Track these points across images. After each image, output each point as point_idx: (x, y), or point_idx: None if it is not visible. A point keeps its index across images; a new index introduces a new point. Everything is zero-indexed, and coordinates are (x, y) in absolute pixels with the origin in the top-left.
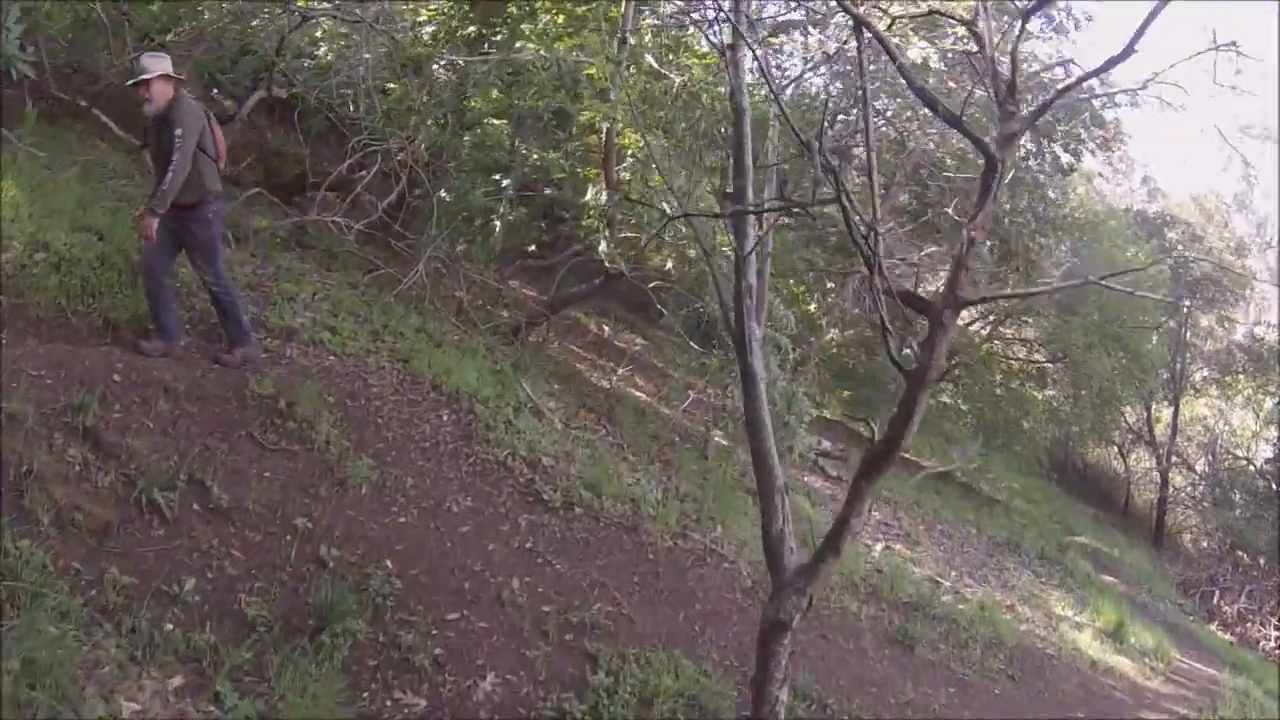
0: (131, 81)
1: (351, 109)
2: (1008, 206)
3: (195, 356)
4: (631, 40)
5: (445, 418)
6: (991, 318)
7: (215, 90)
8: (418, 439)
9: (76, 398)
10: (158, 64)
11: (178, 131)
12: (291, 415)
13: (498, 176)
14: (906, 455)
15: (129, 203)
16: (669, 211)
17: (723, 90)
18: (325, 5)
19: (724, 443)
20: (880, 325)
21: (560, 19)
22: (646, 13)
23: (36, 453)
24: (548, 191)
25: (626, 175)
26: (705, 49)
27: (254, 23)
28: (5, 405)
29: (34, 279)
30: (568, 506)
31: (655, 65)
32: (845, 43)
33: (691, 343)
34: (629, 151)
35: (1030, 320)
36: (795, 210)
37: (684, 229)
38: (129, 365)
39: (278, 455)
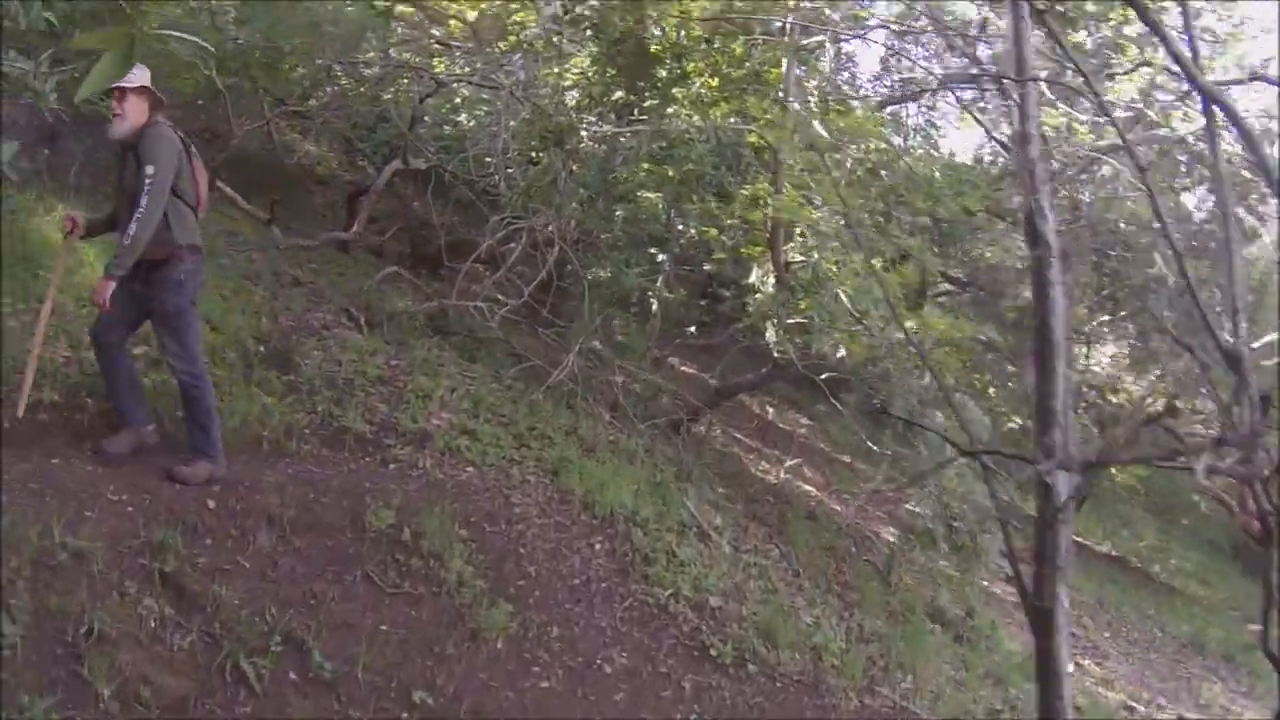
0: (106, 88)
1: (492, 180)
2: None
3: (314, 470)
4: (795, 104)
5: (598, 547)
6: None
7: (358, 158)
8: (565, 575)
9: (159, 533)
10: (138, 74)
11: (149, 170)
12: (417, 550)
13: (653, 251)
14: (1079, 538)
15: (254, 282)
16: (845, 304)
17: (908, 163)
18: (462, 70)
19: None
20: None
21: (715, 82)
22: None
23: (103, 605)
24: (706, 267)
25: (796, 255)
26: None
27: (390, 90)
28: (70, 542)
29: None
30: (739, 663)
31: (823, 133)
32: None
33: (870, 442)
34: (798, 230)
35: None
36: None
37: (857, 316)
38: (228, 488)
39: (398, 601)
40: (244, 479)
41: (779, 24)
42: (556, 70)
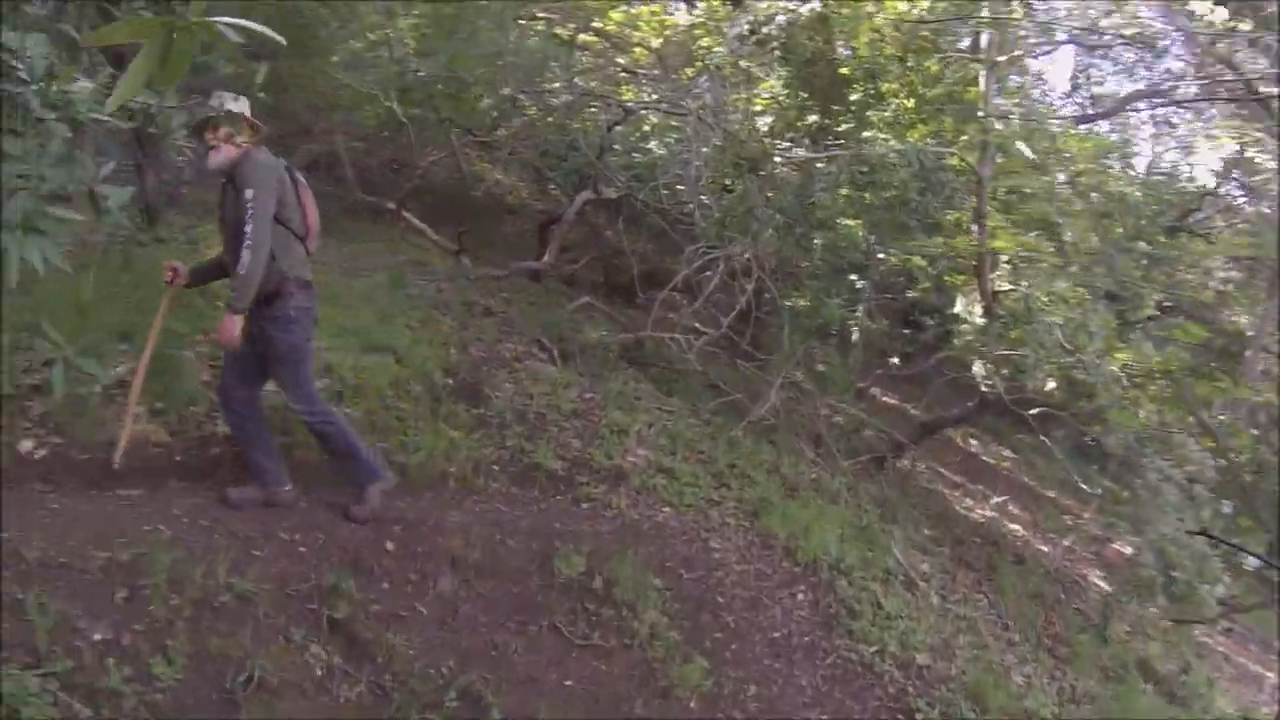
0: (199, 121)
1: (686, 208)
2: None
3: (503, 510)
4: (997, 125)
5: (800, 597)
6: None
7: (548, 187)
8: (765, 628)
9: (332, 576)
10: (234, 102)
11: (248, 194)
12: (609, 598)
13: (853, 278)
14: None
15: (442, 313)
16: (1057, 336)
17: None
18: (649, 98)
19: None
20: None
21: (910, 103)
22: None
23: (266, 651)
24: (908, 295)
25: (1004, 284)
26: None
27: (578, 119)
28: (236, 583)
29: None
30: None
31: (1028, 153)
32: None
33: (1080, 480)
34: (1003, 258)
35: None
36: None
37: (1070, 349)
38: (409, 528)
39: (586, 654)
40: (427, 518)
41: (967, 41)
42: (745, 95)
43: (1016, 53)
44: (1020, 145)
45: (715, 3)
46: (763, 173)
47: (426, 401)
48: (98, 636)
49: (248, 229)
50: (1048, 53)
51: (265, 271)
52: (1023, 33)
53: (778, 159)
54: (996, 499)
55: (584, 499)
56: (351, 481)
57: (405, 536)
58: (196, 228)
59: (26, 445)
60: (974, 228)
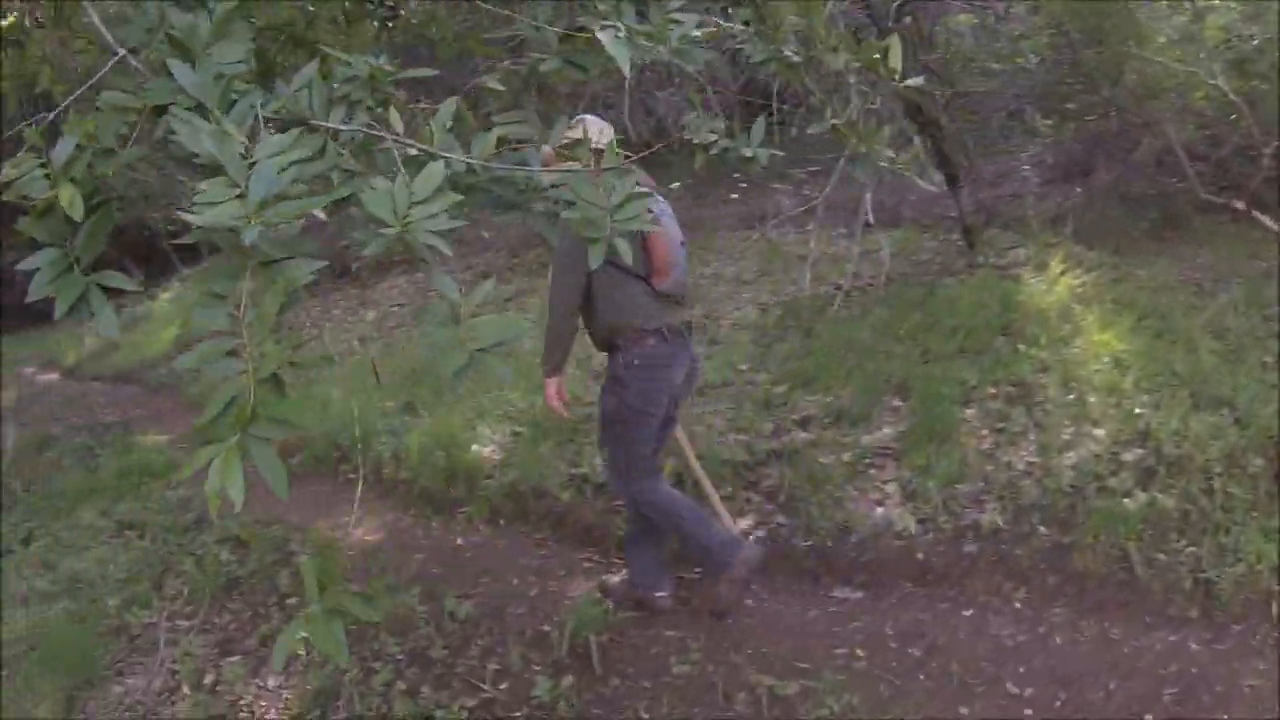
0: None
1: None
2: None
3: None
4: None
5: None
6: None
7: None
8: None
9: None
10: (599, 132)
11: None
12: None
13: None
14: None
15: None
16: None
17: None
18: None
19: None
20: None
21: None
22: None
23: None
24: None
25: None
26: None
27: None
28: None
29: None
30: None
31: None
32: None
33: None
34: None
35: None
36: None
37: None
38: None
39: None
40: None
41: None
42: None
43: None
44: None
45: None
46: None
47: (1265, 483)
48: None
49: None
50: None
51: (590, 320)
52: None
53: None
54: None
55: None
56: (704, 560)
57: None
58: (1021, 247)
59: (743, 524)
60: None
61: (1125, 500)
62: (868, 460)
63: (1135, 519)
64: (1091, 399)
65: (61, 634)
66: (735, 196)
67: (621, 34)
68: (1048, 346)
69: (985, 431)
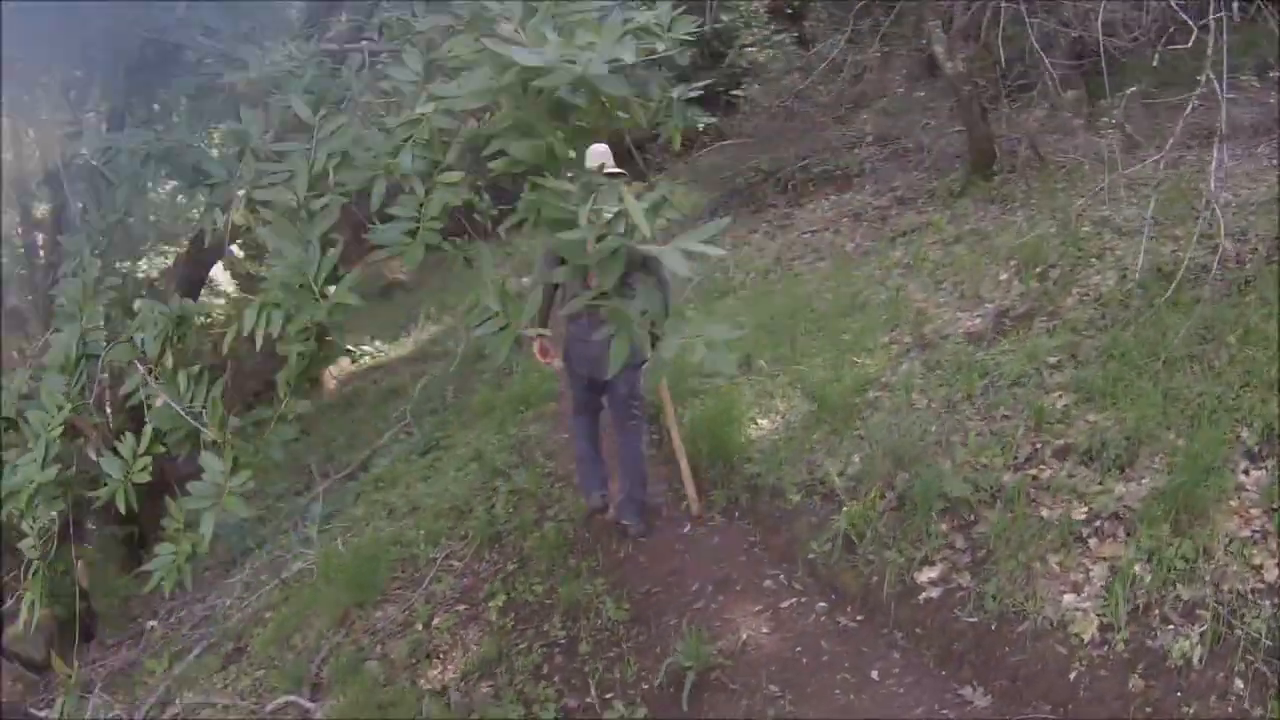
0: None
1: None
2: None
3: None
4: None
5: None
6: None
7: None
8: None
9: None
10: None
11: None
12: None
13: None
14: None
15: None
16: None
17: None
18: None
19: None
20: None
21: None
22: None
23: None
24: None
25: None
26: None
27: None
28: None
29: None
30: None
31: None
32: None
33: None
34: None
35: None
36: None
37: None
38: None
39: None
40: None
41: None
42: None
43: None
44: None
45: None
46: None
47: None
48: None
49: None
50: None
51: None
52: None
53: None
54: None
55: None
56: None
57: None
58: None
59: (930, 574)
60: None
61: None
62: (1098, 522)
63: None
64: None
65: (361, 554)
66: (1199, 105)
67: None
68: None
69: (1256, 512)
